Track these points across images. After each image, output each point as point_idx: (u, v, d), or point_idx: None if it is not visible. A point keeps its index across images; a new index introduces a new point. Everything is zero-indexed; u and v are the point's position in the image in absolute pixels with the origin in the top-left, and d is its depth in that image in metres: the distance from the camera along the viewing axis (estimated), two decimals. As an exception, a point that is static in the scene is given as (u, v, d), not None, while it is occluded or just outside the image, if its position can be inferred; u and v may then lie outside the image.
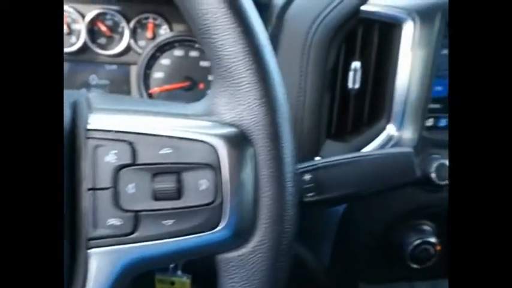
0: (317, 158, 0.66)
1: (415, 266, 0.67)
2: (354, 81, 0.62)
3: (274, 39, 0.64)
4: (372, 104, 0.63)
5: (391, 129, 0.62)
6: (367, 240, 0.66)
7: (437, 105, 0.63)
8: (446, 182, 0.61)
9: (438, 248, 0.63)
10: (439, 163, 0.60)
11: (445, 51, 0.61)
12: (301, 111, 0.62)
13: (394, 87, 0.61)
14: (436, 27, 0.58)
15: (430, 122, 0.64)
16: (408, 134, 0.62)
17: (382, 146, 0.62)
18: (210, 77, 0.75)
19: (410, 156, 0.46)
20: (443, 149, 0.63)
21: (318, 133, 0.64)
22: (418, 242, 0.64)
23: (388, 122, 0.62)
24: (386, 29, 0.60)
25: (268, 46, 0.32)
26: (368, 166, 0.47)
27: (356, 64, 0.61)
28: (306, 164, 0.48)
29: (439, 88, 0.63)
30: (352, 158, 0.47)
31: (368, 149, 0.63)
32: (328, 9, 0.61)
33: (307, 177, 0.47)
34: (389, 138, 0.62)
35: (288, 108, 0.33)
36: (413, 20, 0.58)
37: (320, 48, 0.61)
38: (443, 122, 0.65)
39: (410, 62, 0.60)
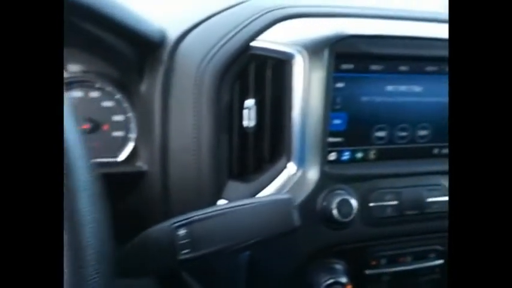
0: (220, 201, 0.63)
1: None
2: (249, 119, 0.59)
3: (167, 79, 0.61)
4: (271, 142, 0.61)
5: (291, 168, 0.60)
6: (277, 282, 0.63)
7: (338, 139, 0.62)
8: (350, 218, 0.59)
9: (349, 287, 0.60)
10: (341, 199, 0.59)
11: (339, 85, 0.60)
12: (197, 152, 0.59)
13: (291, 124, 0.59)
14: (325, 62, 0.57)
15: (332, 156, 0.63)
16: (309, 170, 0.60)
17: (284, 185, 0.60)
18: (114, 118, 0.71)
19: (288, 204, 0.44)
20: (348, 183, 0.61)
21: (219, 174, 0.60)
22: (329, 282, 0.61)
23: (288, 159, 0.60)
24: (279, 65, 0.59)
25: None
26: (244, 216, 0.44)
27: (250, 102, 0.59)
28: (180, 218, 0.44)
29: (337, 121, 0.62)
30: (227, 208, 0.44)
31: (271, 188, 0.61)
32: (217, 46, 0.58)
33: (181, 232, 0.43)
34: (291, 177, 0.60)
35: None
36: (302, 55, 0.57)
37: (212, 86, 0.58)
38: (346, 156, 0.63)
39: (304, 98, 0.58)
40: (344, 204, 0.59)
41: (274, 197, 0.47)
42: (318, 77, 0.58)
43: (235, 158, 0.61)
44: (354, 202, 0.59)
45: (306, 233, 0.60)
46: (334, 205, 0.58)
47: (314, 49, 0.57)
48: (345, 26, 0.59)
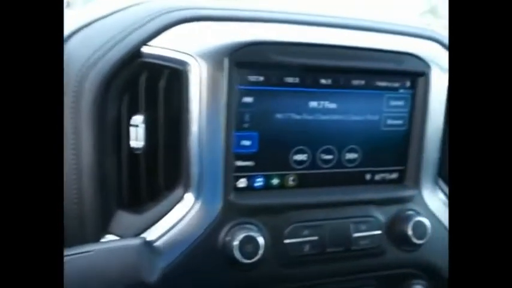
0: (108, 236, 0.53)
1: None
2: (136, 138, 0.50)
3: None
4: (165, 167, 0.51)
5: (188, 198, 0.51)
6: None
7: (248, 163, 0.53)
8: (256, 258, 0.50)
9: None
10: (244, 236, 0.49)
11: (247, 100, 0.51)
12: (77, 177, 0.49)
13: (188, 146, 0.50)
14: (225, 73, 0.49)
15: (242, 183, 0.53)
16: (210, 200, 0.51)
17: (182, 217, 0.51)
18: None
19: (135, 251, 0.34)
20: (258, 216, 0.52)
21: (104, 203, 0.50)
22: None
23: (186, 188, 0.51)
24: (174, 76, 0.50)
25: None
26: (87, 266, 0.35)
27: (138, 118, 0.50)
28: None
29: (246, 142, 0.52)
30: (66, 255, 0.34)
31: (168, 220, 0.51)
32: (101, 51, 0.49)
33: None
34: (190, 208, 0.51)
35: None
36: (199, 64, 0.48)
37: (93, 98, 0.48)
38: (259, 182, 0.54)
39: (203, 114, 0.49)
40: (248, 242, 0.49)
41: (121, 242, 0.37)
42: (219, 90, 0.49)
43: (124, 185, 0.51)
44: (261, 239, 0.50)
45: (206, 277, 0.50)
46: (236, 243, 0.49)
47: (213, 58, 0.48)
48: (249, 31, 0.50)
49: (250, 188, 0.54)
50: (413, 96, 0.59)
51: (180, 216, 0.50)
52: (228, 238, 0.50)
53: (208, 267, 0.50)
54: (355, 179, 0.58)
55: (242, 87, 0.50)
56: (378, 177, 0.59)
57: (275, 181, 0.55)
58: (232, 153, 0.51)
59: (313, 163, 0.56)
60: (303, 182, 0.56)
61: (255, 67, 0.50)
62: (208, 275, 0.50)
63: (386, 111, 0.58)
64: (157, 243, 0.50)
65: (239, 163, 0.52)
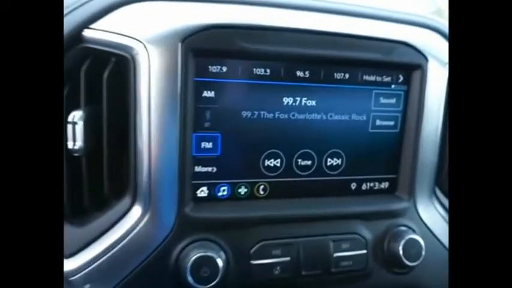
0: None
1: None
2: (73, 139, 0.42)
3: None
4: (110, 173, 0.44)
5: (136, 211, 0.43)
6: None
7: (209, 169, 0.45)
8: (212, 284, 0.42)
9: None
10: (198, 257, 0.41)
11: (208, 94, 0.44)
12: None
13: (136, 148, 0.42)
14: (179, 62, 0.41)
15: (203, 192, 0.45)
16: (162, 213, 0.43)
17: (128, 232, 0.43)
18: None
19: None
20: (218, 231, 0.44)
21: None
22: None
23: (134, 197, 0.43)
24: (120, 64, 0.42)
25: None
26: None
27: (76, 114, 0.42)
28: None
29: (207, 145, 0.45)
30: None
31: (111, 237, 0.43)
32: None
33: None
34: (137, 222, 0.43)
35: None
36: (149, 51, 0.40)
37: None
38: (223, 191, 0.46)
39: (154, 111, 0.41)
40: (204, 264, 0.41)
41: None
42: (173, 82, 0.41)
43: (66, 192, 0.44)
44: (220, 260, 0.42)
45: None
46: (188, 265, 0.41)
47: (165, 43, 0.40)
48: (208, 12, 0.42)
49: (211, 198, 0.46)
50: (406, 93, 0.51)
51: (125, 232, 0.43)
52: (181, 259, 0.42)
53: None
54: (338, 189, 0.50)
55: (201, 79, 0.42)
56: (364, 186, 0.51)
57: (242, 190, 0.47)
58: (190, 157, 0.43)
59: (287, 170, 0.48)
60: (276, 192, 0.48)
61: (216, 55, 0.42)
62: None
63: (375, 110, 0.50)
64: (97, 264, 0.42)
65: (198, 169, 0.45)
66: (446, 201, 0.57)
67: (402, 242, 0.48)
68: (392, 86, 0.50)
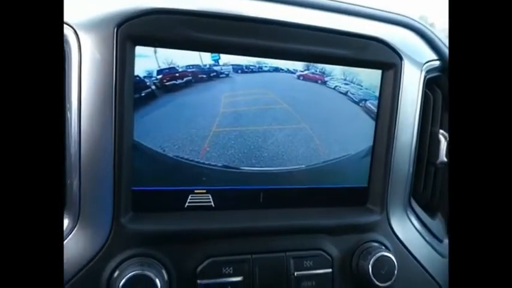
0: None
1: None
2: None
3: None
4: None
5: (66, 221, 0.37)
6: None
7: (150, 174, 0.40)
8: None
9: None
10: (134, 274, 0.36)
11: (147, 87, 0.38)
12: None
13: (64, 147, 0.37)
14: (115, 50, 0.36)
15: (142, 200, 0.40)
16: (94, 225, 0.37)
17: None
18: None
19: None
20: (159, 247, 0.38)
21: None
22: None
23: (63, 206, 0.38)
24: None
25: None
26: None
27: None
28: None
29: (149, 145, 0.39)
30: None
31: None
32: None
33: None
34: (66, 234, 0.37)
35: None
36: (80, 39, 0.35)
37: None
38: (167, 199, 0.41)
39: (87, 104, 0.36)
40: (139, 284, 0.35)
41: None
42: (107, 73, 0.36)
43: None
44: (159, 281, 0.36)
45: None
46: (120, 286, 0.35)
47: (98, 29, 0.35)
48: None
49: (153, 207, 0.40)
50: (379, 95, 0.46)
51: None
52: (113, 278, 0.36)
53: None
54: (300, 200, 0.45)
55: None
56: (330, 197, 0.46)
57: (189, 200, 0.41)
58: (129, 159, 0.38)
59: (240, 177, 0.43)
60: (226, 202, 0.43)
61: (157, 43, 0.38)
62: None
63: (343, 111, 0.45)
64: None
65: (138, 175, 0.39)
66: (423, 215, 0.53)
67: (372, 260, 0.43)
68: (363, 86, 0.45)
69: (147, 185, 0.40)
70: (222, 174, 0.42)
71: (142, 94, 0.38)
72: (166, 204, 0.40)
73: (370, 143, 0.47)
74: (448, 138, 0.53)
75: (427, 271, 0.50)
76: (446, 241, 0.55)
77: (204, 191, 0.42)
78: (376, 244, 0.45)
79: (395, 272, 0.44)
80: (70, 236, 0.37)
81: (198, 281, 0.39)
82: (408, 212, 0.49)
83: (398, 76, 0.45)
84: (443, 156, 0.52)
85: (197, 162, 0.41)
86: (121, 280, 0.35)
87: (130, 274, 0.35)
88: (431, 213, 0.55)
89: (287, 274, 0.41)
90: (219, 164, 0.41)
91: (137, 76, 0.38)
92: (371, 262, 0.43)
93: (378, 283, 0.43)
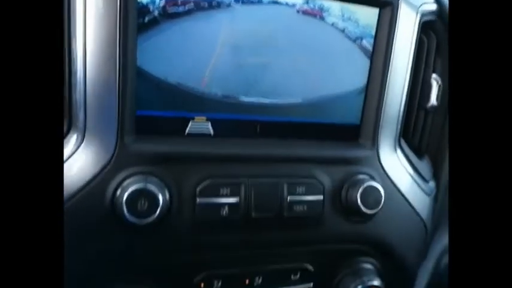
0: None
1: None
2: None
3: None
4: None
5: (72, 138, 0.39)
6: None
7: (154, 97, 0.42)
8: (152, 219, 0.39)
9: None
10: (135, 189, 0.38)
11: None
12: None
13: (70, 67, 0.38)
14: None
15: (146, 123, 0.42)
16: (100, 144, 0.39)
17: (65, 159, 0.39)
18: None
19: None
20: (161, 166, 0.41)
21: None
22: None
23: (70, 125, 0.39)
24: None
25: None
26: None
27: None
28: None
29: (155, 68, 0.41)
30: None
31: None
32: None
33: None
34: (73, 151, 0.39)
35: None
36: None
37: None
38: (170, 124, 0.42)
39: (92, 22, 0.37)
40: (142, 197, 0.38)
41: None
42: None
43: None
44: (160, 196, 0.39)
45: (90, 240, 0.39)
46: (124, 197, 0.38)
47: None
48: None
49: (155, 132, 0.42)
50: (375, 34, 0.48)
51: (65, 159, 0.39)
52: (118, 191, 0.39)
53: (92, 228, 0.39)
54: (295, 133, 0.47)
55: (145, -5, 0.39)
56: (324, 132, 0.48)
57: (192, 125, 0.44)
58: (133, 82, 0.40)
59: (239, 107, 0.45)
60: (225, 131, 0.45)
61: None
62: (92, 237, 0.39)
63: (340, 48, 0.47)
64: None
65: (142, 98, 0.41)
66: (411, 155, 0.55)
67: (361, 189, 0.46)
68: (359, 24, 0.46)
69: (150, 109, 0.41)
70: (221, 103, 0.44)
71: (146, 20, 0.40)
72: (168, 129, 0.42)
73: (365, 81, 0.49)
74: (440, 83, 0.55)
75: (412, 206, 0.53)
76: (432, 183, 0.58)
77: (204, 118, 0.44)
78: (365, 176, 0.48)
79: (382, 200, 0.47)
80: (77, 152, 0.39)
81: (198, 200, 0.41)
82: (397, 151, 0.52)
83: (394, 15, 0.47)
84: (434, 100, 0.54)
85: (197, 90, 0.43)
86: (125, 194, 0.38)
87: (133, 188, 0.38)
88: (419, 155, 0.58)
89: (281, 198, 0.44)
90: (219, 94, 0.43)
91: (140, 2, 0.39)
92: (360, 191, 0.46)
93: (365, 210, 0.46)
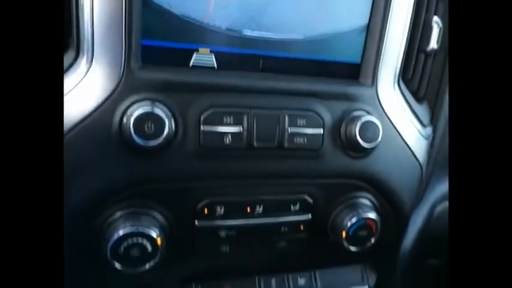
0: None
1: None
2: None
3: None
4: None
5: (80, 64, 0.40)
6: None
7: (161, 28, 0.42)
8: (158, 142, 0.40)
9: (158, 240, 0.43)
10: (142, 114, 0.39)
11: None
12: None
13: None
14: None
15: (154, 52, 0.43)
16: (108, 70, 0.40)
17: (72, 87, 0.40)
18: None
19: None
20: (166, 93, 0.42)
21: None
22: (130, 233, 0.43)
23: (78, 50, 0.40)
24: None
25: None
26: None
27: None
28: None
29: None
30: None
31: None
32: None
33: None
34: (82, 77, 0.41)
35: None
36: None
37: None
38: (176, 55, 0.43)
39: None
40: (149, 120, 0.39)
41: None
42: None
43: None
44: (166, 119, 0.40)
45: (98, 163, 0.41)
46: (132, 119, 0.39)
47: None
48: None
49: (160, 62, 0.43)
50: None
51: (70, 86, 0.40)
52: (126, 115, 0.40)
53: (100, 152, 0.41)
54: (296, 68, 0.48)
55: None
56: (325, 69, 0.49)
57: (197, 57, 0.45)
58: (139, 10, 0.40)
59: (242, 40, 0.45)
60: (228, 64, 0.46)
61: None
62: (100, 162, 0.41)
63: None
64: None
65: (149, 25, 0.42)
66: (410, 98, 0.56)
67: (359, 123, 0.47)
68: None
69: (155, 39, 0.42)
70: (224, 36, 0.44)
71: None
72: (172, 60, 0.44)
73: (366, 20, 0.49)
74: (440, 26, 0.55)
75: (408, 146, 0.54)
76: (429, 128, 0.59)
77: (208, 50, 0.45)
78: (364, 112, 0.49)
79: (380, 135, 0.48)
80: (84, 78, 0.40)
81: (202, 127, 0.43)
82: (396, 91, 0.53)
83: None
84: (434, 43, 0.55)
85: (201, 22, 0.43)
86: (132, 117, 0.39)
87: (141, 111, 0.39)
88: (418, 99, 0.59)
89: (282, 129, 0.45)
90: (223, 26, 0.44)
91: None
92: (358, 125, 0.47)
93: (363, 144, 0.47)
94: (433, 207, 0.73)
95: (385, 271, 0.64)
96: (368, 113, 0.49)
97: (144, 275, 0.45)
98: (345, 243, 0.51)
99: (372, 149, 0.49)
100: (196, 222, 0.46)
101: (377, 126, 0.48)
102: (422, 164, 0.58)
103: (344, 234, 0.50)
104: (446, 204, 0.76)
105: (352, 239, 0.50)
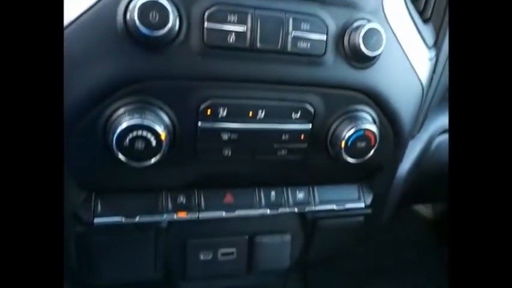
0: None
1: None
2: None
3: None
4: None
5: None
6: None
7: None
8: (162, 33, 0.40)
9: (163, 135, 0.44)
10: (146, 1, 0.39)
11: None
12: None
13: None
14: None
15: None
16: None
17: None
18: None
19: None
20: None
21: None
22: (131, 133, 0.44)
23: None
24: None
25: None
26: None
27: None
28: None
29: None
30: None
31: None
32: None
33: None
34: None
35: None
36: None
37: None
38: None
39: None
40: (153, 10, 0.39)
41: None
42: None
43: None
44: (172, 11, 0.40)
45: (100, 55, 0.42)
46: (136, 10, 0.39)
47: None
48: None
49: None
50: None
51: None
52: (132, 3, 0.40)
53: (105, 42, 0.41)
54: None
55: None
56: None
57: None
58: None
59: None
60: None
61: None
62: (105, 52, 0.41)
63: None
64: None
65: None
66: (416, 17, 0.56)
67: (363, 30, 0.47)
68: None
69: None
70: None
71: None
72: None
73: None
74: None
75: (411, 64, 0.54)
76: (433, 51, 0.59)
77: None
78: (368, 21, 0.49)
79: (383, 43, 0.48)
80: None
81: (206, 24, 0.43)
82: (402, 5, 0.52)
83: None
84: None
85: None
86: (137, 6, 0.39)
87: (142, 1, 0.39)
88: (424, 20, 0.59)
89: (285, 32, 0.45)
90: None
91: None
92: (362, 32, 0.47)
93: (366, 51, 0.47)
94: (432, 137, 0.74)
95: (380, 192, 0.65)
96: (372, 21, 0.49)
97: (148, 173, 0.46)
98: (344, 154, 0.52)
99: (375, 61, 0.49)
100: (199, 123, 0.47)
101: (380, 34, 0.47)
102: (424, 85, 0.58)
103: (343, 144, 0.51)
104: (445, 137, 0.78)
105: (351, 149, 0.51)
